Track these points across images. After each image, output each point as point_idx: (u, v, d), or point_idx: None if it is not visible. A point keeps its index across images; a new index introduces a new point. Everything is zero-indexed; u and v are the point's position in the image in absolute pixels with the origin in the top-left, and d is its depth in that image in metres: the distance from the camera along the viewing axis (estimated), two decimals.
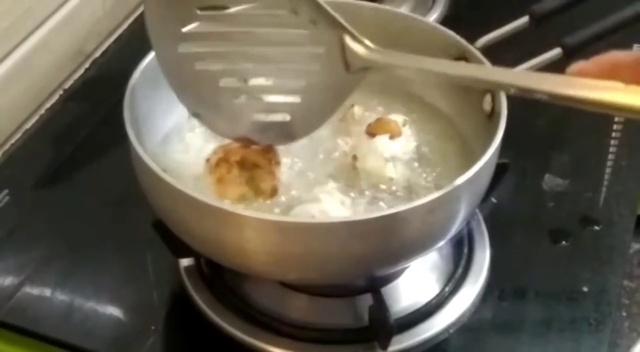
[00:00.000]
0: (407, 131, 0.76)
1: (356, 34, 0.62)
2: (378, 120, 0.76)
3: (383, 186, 0.73)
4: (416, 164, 0.75)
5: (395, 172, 0.73)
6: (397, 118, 0.77)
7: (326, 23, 0.62)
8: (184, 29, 0.64)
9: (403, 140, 0.75)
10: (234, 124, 0.68)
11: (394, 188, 0.73)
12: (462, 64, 0.62)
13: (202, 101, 0.68)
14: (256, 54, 0.65)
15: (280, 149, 0.75)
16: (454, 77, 0.62)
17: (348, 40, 0.62)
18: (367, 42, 0.63)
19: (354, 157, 0.74)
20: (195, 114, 0.69)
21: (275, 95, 0.67)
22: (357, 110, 0.78)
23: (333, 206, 0.69)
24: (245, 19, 0.64)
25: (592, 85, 0.50)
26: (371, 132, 0.75)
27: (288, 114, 0.67)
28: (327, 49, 0.63)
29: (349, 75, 0.63)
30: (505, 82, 0.57)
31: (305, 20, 0.62)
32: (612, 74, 0.50)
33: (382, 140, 0.74)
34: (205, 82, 0.66)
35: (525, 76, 0.57)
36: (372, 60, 0.62)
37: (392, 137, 0.75)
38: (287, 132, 0.69)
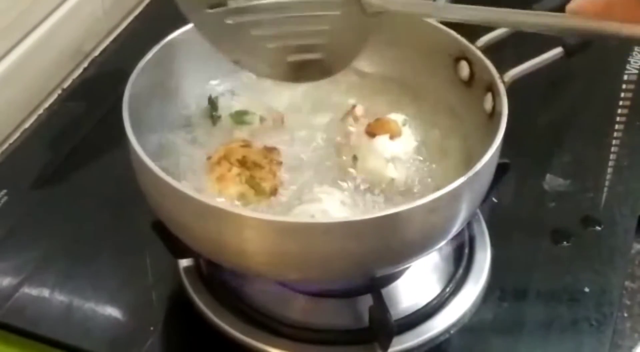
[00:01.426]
0: (407, 131, 0.76)
1: None
2: (378, 120, 0.76)
3: (383, 186, 0.73)
4: (416, 164, 0.75)
5: (395, 172, 0.73)
6: (397, 118, 0.77)
7: None
8: None
9: (403, 140, 0.75)
10: (272, 66, 0.72)
11: (394, 188, 0.73)
12: (466, 6, 0.64)
13: (238, 49, 0.71)
14: (282, 5, 0.70)
15: (282, 149, 0.75)
16: (456, 19, 0.64)
17: None
18: None
19: (354, 157, 0.74)
20: (235, 61, 0.72)
21: (304, 40, 0.71)
22: (358, 110, 0.78)
23: (333, 205, 0.69)
24: None
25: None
26: (371, 132, 0.75)
27: (319, 53, 0.71)
28: None
29: (368, 18, 0.67)
30: (510, 20, 0.59)
31: None
32: (607, 11, 0.52)
33: (382, 140, 0.74)
34: (238, 33, 0.70)
35: (527, 15, 0.58)
36: (382, 7, 0.66)
37: (392, 137, 0.75)
38: (323, 69, 0.72)
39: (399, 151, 0.74)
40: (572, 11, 0.53)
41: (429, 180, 0.74)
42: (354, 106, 0.78)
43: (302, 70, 0.72)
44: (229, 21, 0.69)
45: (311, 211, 0.68)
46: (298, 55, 0.71)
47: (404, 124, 0.76)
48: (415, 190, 0.73)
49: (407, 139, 0.76)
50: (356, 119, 0.78)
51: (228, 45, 0.71)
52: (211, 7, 0.69)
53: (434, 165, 0.75)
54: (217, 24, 0.69)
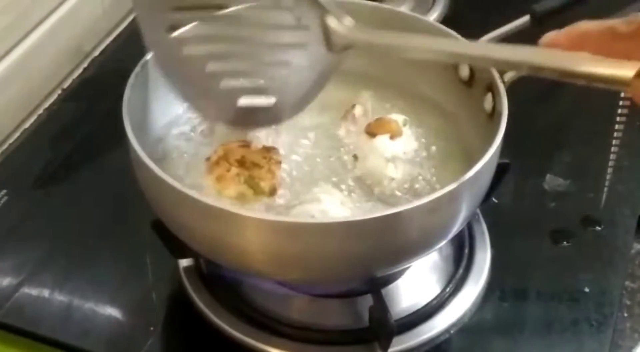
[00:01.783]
0: (407, 131, 0.76)
1: (338, 12, 0.63)
2: (378, 120, 0.76)
3: (383, 186, 0.73)
4: (417, 164, 0.75)
5: (395, 172, 0.73)
6: (398, 118, 0.77)
7: (307, 4, 0.63)
8: (172, 17, 0.65)
9: (403, 140, 0.75)
10: (221, 109, 0.69)
11: (394, 188, 0.73)
12: (442, 39, 0.62)
13: (190, 86, 0.68)
14: (241, 38, 0.66)
15: (281, 148, 0.75)
16: (432, 53, 0.61)
17: (330, 20, 0.62)
18: (349, 20, 0.63)
19: (355, 157, 0.74)
20: (185, 99, 0.70)
21: (260, 79, 0.67)
22: (358, 110, 0.78)
23: (333, 206, 0.69)
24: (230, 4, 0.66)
25: (560, 56, 0.51)
26: (371, 132, 0.75)
27: (273, 96, 0.67)
28: (309, 30, 0.63)
29: (332, 55, 0.63)
30: (482, 55, 0.58)
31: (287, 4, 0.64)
32: (581, 44, 0.51)
33: (382, 140, 0.74)
34: (191, 67, 0.66)
35: (499, 49, 0.57)
36: (353, 39, 0.62)
37: (392, 137, 0.75)
38: (274, 115, 0.68)
39: (399, 151, 0.74)
40: (546, 44, 0.53)
41: (429, 180, 0.74)
42: (353, 106, 0.78)
43: (251, 115, 0.68)
44: (185, 51, 0.65)
45: (311, 211, 0.68)
46: (249, 99, 0.67)
47: (404, 124, 0.76)
48: (415, 190, 0.73)
49: (407, 139, 0.76)
50: (356, 118, 0.78)
51: (180, 80, 0.68)
52: (171, 29, 0.65)
53: (434, 166, 0.75)
54: (173, 51, 0.66)
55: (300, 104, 0.68)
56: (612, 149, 0.92)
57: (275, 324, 0.74)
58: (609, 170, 0.90)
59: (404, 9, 1.07)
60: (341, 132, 0.77)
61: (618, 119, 0.96)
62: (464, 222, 0.68)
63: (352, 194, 0.72)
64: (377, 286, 0.73)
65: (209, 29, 0.66)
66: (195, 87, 0.67)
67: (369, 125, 0.76)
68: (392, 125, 0.75)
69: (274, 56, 0.66)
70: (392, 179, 0.72)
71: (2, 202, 0.87)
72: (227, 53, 0.66)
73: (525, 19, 0.77)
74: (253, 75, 0.67)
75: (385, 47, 0.64)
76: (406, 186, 0.73)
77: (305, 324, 0.74)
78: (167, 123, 0.79)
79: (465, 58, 0.64)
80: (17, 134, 0.98)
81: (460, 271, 0.79)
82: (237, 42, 0.66)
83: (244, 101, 0.66)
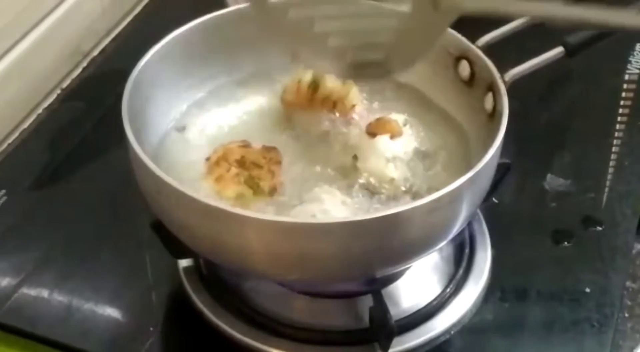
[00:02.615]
0: (407, 131, 0.76)
1: None
2: (378, 120, 0.76)
3: (384, 186, 0.72)
4: (417, 164, 0.75)
5: (396, 172, 0.73)
6: (398, 118, 0.77)
7: None
8: None
9: (404, 140, 0.75)
10: (332, 63, 0.70)
11: (394, 188, 0.73)
12: (549, 5, 0.63)
13: (298, 44, 0.70)
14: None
15: (281, 148, 0.75)
16: (537, 17, 0.62)
17: None
18: None
19: (355, 157, 0.74)
20: (293, 56, 0.72)
21: (367, 38, 0.69)
22: (358, 109, 0.78)
23: (334, 206, 0.69)
24: None
25: None
26: (372, 132, 0.75)
27: (381, 52, 0.69)
28: None
29: (439, 16, 0.65)
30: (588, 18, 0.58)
31: None
32: None
33: (382, 140, 0.74)
34: (299, 28, 0.68)
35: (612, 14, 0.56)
36: (462, 7, 0.64)
37: (392, 137, 0.74)
38: (383, 69, 0.70)
39: (399, 151, 0.74)
40: None
41: (429, 180, 0.74)
42: (354, 106, 0.78)
43: (362, 69, 0.70)
44: (291, 15, 0.67)
45: (312, 211, 0.68)
46: (359, 54, 0.69)
47: (404, 124, 0.76)
48: (415, 190, 0.73)
49: (407, 139, 0.76)
50: (356, 118, 0.77)
51: (287, 39, 0.70)
52: None
53: (434, 166, 0.75)
54: (279, 17, 0.68)
55: (408, 60, 0.70)
56: (613, 148, 0.92)
57: (275, 324, 0.74)
58: (610, 170, 0.90)
59: (404, 8, 1.06)
60: (341, 132, 0.77)
61: (618, 119, 0.96)
62: (464, 222, 0.68)
63: (353, 194, 0.72)
64: (377, 286, 0.72)
65: None
66: (305, 45, 0.69)
67: (369, 125, 0.76)
68: (392, 125, 0.75)
69: (380, 14, 0.69)
70: (393, 179, 0.72)
71: (2, 202, 0.87)
72: (333, 14, 0.68)
73: (525, 18, 0.77)
74: (360, 34, 0.68)
75: (492, 9, 0.64)
76: (406, 185, 0.73)
77: (305, 324, 0.74)
78: (167, 123, 0.79)
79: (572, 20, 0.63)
80: (16, 134, 0.98)
81: (461, 271, 0.79)
82: (342, 3, 0.69)
83: (352, 56, 0.68)
